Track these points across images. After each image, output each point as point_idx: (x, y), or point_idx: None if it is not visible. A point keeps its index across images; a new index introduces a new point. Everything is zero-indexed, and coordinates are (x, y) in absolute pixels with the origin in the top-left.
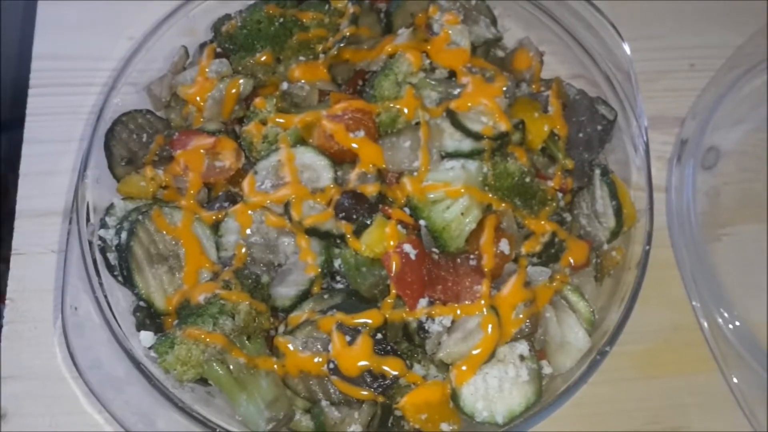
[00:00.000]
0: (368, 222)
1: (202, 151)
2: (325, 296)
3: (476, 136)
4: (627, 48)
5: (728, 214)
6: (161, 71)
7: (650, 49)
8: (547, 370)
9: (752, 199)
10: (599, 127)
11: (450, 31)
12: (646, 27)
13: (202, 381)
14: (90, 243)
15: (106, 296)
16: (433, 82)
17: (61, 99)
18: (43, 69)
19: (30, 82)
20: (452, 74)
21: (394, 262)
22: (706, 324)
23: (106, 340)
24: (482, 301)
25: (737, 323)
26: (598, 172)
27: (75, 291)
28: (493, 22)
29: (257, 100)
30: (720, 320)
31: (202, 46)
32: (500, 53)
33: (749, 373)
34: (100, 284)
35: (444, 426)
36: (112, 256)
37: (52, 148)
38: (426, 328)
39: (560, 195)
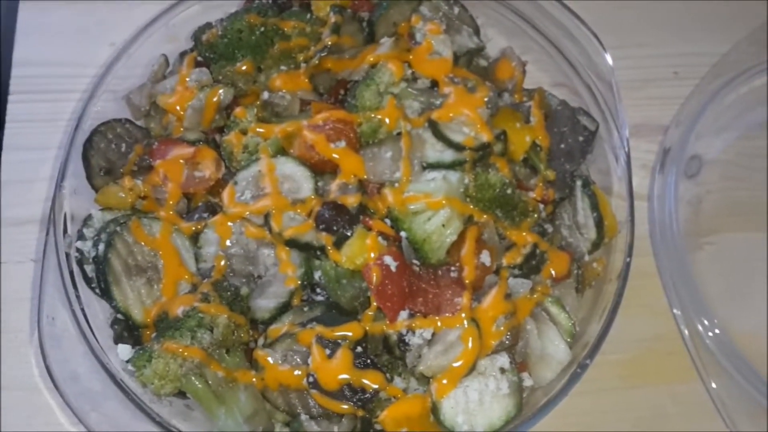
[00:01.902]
0: (349, 233)
1: (181, 161)
2: (305, 309)
3: (458, 147)
4: (609, 58)
5: (710, 222)
6: (142, 78)
7: (634, 57)
8: (527, 382)
9: (735, 208)
10: (581, 138)
11: (432, 41)
12: (630, 35)
13: (181, 395)
14: (67, 254)
15: (83, 309)
16: (415, 92)
17: (41, 105)
18: (23, 75)
19: (10, 88)
20: (434, 84)
21: (374, 274)
22: (686, 332)
23: (83, 352)
24: (463, 314)
25: (717, 331)
26: (579, 183)
27: (52, 302)
28: (476, 31)
29: (238, 110)
30: (700, 328)
31: (183, 54)
32: (483, 63)
33: (728, 380)
34: (77, 296)
35: None
36: (89, 268)
37: (31, 156)
38: (406, 340)
39: (542, 206)
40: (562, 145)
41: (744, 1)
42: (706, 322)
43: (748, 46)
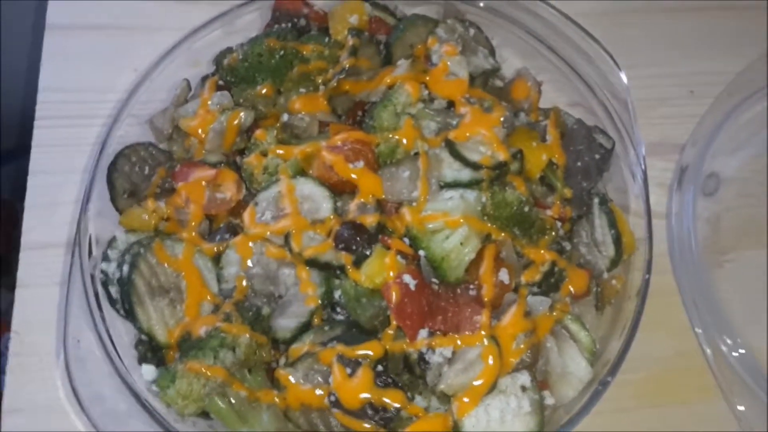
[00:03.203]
0: (368, 252)
1: (203, 183)
2: (326, 328)
3: (475, 166)
4: (624, 77)
5: (730, 240)
6: (165, 103)
7: (650, 76)
8: (549, 400)
9: (754, 226)
10: (597, 156)
11: (449, 62)
12: (645, 54)
13: (204, 415)
14: (92, 276)
15: (107, 330)
16: (431, 113)
17: (66, 131)
18: (49, 101)
19: (36, 114)
20: (451, 104)
21: (393, 293)
22: (709, 351)
23: (108, 373)
24: (482, 332)
25: (741, 351)
26: (596, 200)
27: (77, 324)
28: (492, 52)
29: (258, 132)
30: (724, 348)
31: (204, 78)
32: (499, 83)
33: (754, 401)
34: (102, 318)
35: None
36: (114, 290)
37: (56, 180)
38: (426, 359)
39: (559, 224)
40: (579, 163)
41: (757, 20)
42: (729, 341)
43: (762, 65)
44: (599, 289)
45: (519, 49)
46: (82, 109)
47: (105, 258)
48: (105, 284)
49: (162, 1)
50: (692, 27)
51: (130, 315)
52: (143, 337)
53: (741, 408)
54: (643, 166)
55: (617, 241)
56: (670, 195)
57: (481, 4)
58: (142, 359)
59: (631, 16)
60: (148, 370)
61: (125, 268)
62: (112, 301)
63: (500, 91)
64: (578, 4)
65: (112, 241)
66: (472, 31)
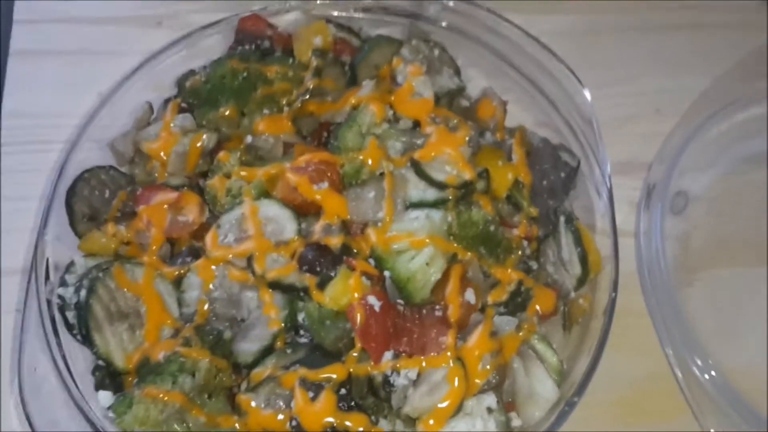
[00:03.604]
0: (332, 274)
1: (165, 206)
2: (289, 351)
3: (440, 186)
4: (588, 94)
5: (699, 259)
6: (126, 127)
7: (616, 95)
8: (516, 422)
9: (723, 244)
10: (563, 174)
11: (413, 82)
12: (611, 73)
13: None
14: (48, 301)
15: (64, 356)
16: (397, 133)
17: (27, 156)
18: (12, 127)
19: (0, 140)
20: (416, 124)
21: (358, 315)
22: (680, 373)
23: (64, 400)
24: (448, 353)
25: (713, 372)
26: (562, 219)
27: (33, 351)
28: (457, 72)
29: (221, 154)
30: (694, 369)
31: (167, 101)
32: (465, 103)
33: (725, 419)
34: (58, 344)
35: None
36: (71, 315)
37: (18, 206)
38: (391, 381)
39: (526, 243)
40: (545, 182)
41: (723, 37)
42: (699, 363)
43: (728, 82)
44: (566, 309)
45: (484, 69)
46: (42, 134)
47: (62, 283)
48: (62, 309)
49: (126, 26)
50: (658, 45)
51: (87, 340)
52: (100, 362)
53: (711, 428)
54: (608, 184)
55: (583, 259)
56: (638, 213)
57: (444, 24)
58: (99, 385)
59: (596, 36)
60: (105, 396)
61: (83, 292)
62: (69, 327)
63: (466, 110)
64: (542, 24)
65: (70, 266)
66: (436, 52)
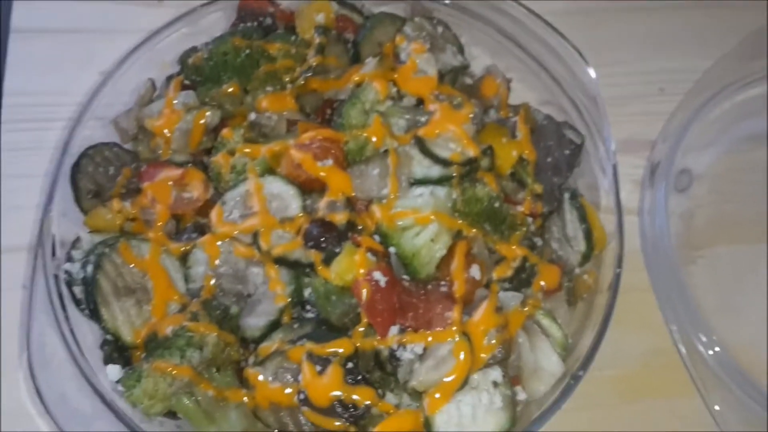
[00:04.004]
0: (337, 250)
1: (169, 182)
2: (295, 326)
3: (445, 163)
4: (592, 72)
5: (703, 236)
6: (128, 105)
7: (619, 74)
8: (521, 396)
9: (726, 221)
10: (567, 152)
11: (417, 60)
12: (615, 53)
13: (171, 414)
14: (56, 277)
15: (72, 330)
16: (400, 110)
17: (31, 134)
18: (14, 105)
19: (1, 118)
20: (420, 102)
21: (364, 290)
22: (684, 349)
23: (73, 375)
24: (454, 328)
25: (717, 348)
26: (567, 195)
27: (41, 325)
28: (460, 50)
29: (225, 131)
30: (699, 345)
31: (169, 78)
32: (468, 80)
33: (728, 394)
34: (66, 318)
35: None
36: (78, 290)
37: (20, 183)
38: (398, 356)
39: (530, 220)
40: (549, 159)
41: (724, 18)
42: (703, 339)
43: (730, 62)
44: (571, 285)
45: (488, 47)
46: (45, 112)
47: (69, 258)
48: (69, 284)
49: (126, 4)
50: (661, 25)
51: (94, 315)
52: (108, 337)
53: (717, 408)
54: (613, 161)
55: (588, 235)
56: (642, 192)
57: (447, 2)
58: (107, 360)
59: (600, 15)
60: (114, 371)
61: (89, 268)
62: (76, 302)
63: (470, 88)
64: (547, 3)
65: (76, 242)
66: (440, 29)
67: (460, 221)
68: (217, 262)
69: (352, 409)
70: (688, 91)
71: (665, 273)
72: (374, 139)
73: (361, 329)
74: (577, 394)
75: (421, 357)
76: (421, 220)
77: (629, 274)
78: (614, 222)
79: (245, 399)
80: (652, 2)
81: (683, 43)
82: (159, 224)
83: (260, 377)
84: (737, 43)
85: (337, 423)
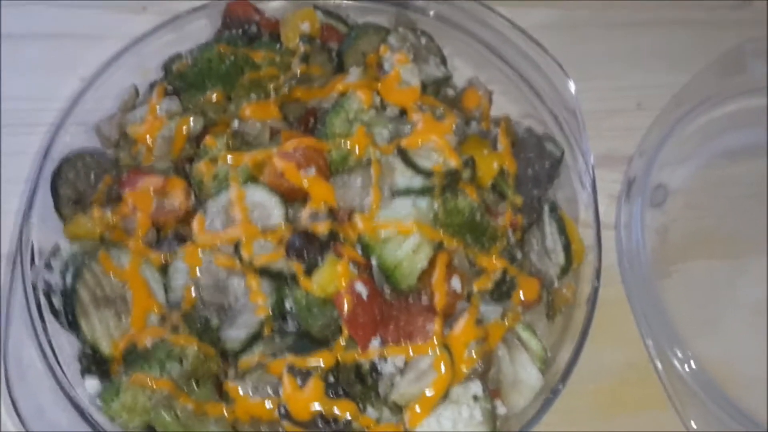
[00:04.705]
0: (319, 261)
1: (150, 190)
2: (276, 338)
3: (427, 173)
4: (572, 85)
5: (678, 251)
6: (111, 110)
7: (598, 89)
8: (501, 410)
9: (701, 236)
10: (547, 164)
11: (401, 70)
12: (594, 67)
13: (149, 428)
14: (34, 286)
15: (50, 341)
16: (384, 120)
17: (13, 139)
18: None
19: None
20: (403, 112)
21: (345, 302)
22: (660, 365)
23: (50, 387)
24: (435, 340)
25: (692, 363)
26: (546, 208)
27: (18, 336)
28: (443, 61)
29: (207, 138)
30: (674, 360)
31: (153, 84)
32: (451, 92)
33: (706, 413)
34: (44, 328)
35: None
36: (56, 300)
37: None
38: (378, 369)
39: (511, 232)
40: (529, 171)
41: (702, 35)
42: (679, 354)
43: (707, 78)
44: (550, 298)
45: (470, 59)
46: (28, 117)
47: (48, 267)
48: (47, 294)
49: (109, 11)
50: (640, 41)
51: (73, 326)
52: (87, 349)
53: (693, 424)
54: (591, 174)
55: (567, 248)
56: (618, 206)
57: (432, 13)
58: (85, 372)
59: (582, 30)
60: (92, 383)
61: (69, 277)
62: (54, 312)
63: (452, 100)
64: (528, 17)
65: (55, 250)
66: (423, 40)
67: (442, 232)
68: (197, 272)
69: (332, 423)
70: (665, 107)
71: (641, 287)
72: (357, 148)
73: (342, 342)
74: (554, 409)
75: (402, 370)
76: (403, 231)
77: (606, 288)
78: (592, 236)
79: (225, 413)
80: (632, 18)
81: (662, 59)
82: (139, 233)
83: (240, 390)
84: (714, 59)
85: None
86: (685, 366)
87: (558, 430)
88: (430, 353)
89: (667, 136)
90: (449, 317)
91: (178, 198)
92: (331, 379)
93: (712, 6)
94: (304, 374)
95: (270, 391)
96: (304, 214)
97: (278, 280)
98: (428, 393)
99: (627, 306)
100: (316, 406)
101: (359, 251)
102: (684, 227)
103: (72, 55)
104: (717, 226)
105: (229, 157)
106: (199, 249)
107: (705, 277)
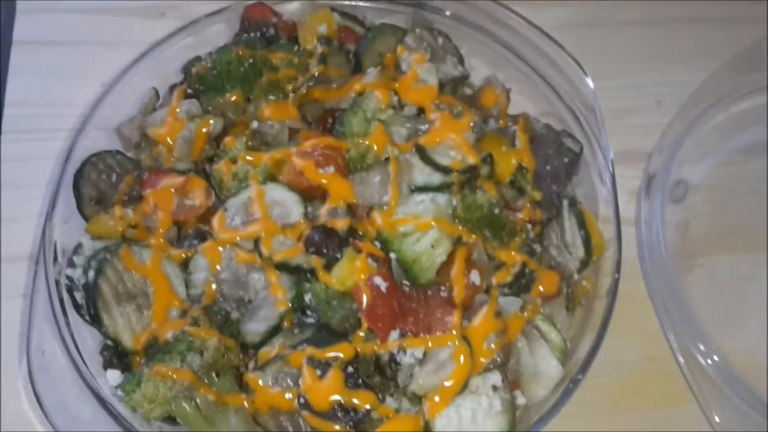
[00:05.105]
0: (339, 256)
1: (171, 189)
2: (296, 331)
3: (445, 170)
4: (590, 82)
5: (699, 246)
6: (131, 114)
7: (617, 87)
8: (520, 400)
9: (722, 231)
10: (566, 160)
11: (418, 70)
12: (612, 66)
13: (171, 419)
14: (57, 282)
15: (72, 335)
16: (401, 119)
17: (31, 144)
18: (15, 115)
19: (2, 128)
20: (421, 111)
21: (365, 295)
22: (682, 358)
23: (73, 380)
24: (454, 332)
25: (715, 357)
26: (566, 203)
27: (42, 332)
28: (461, 60)
29: (227, 139)
30: (697, 354)
31: (173, 87)
32: (468, 91)
33: (729, 406)
34: (67, 323)
35: None
36: (79, 296)
37: (20, 194)
38: (398, 360)
39: (530, 226)
40: (548, 167)
41: (720, 32)
42: (702, 348)
43: (725, 74)
44: (570, 290)
45: (487, 58)
46: (47, 122)
47: (70, 264)
48: (70, 290)
49: (128, 17)
50: (658, 39)
51: (95, 320)
52: (109, 342)
53: (716, 417)
54: (611, 170)
55: (587, 242)
56: (638, 202)
57: (448, 13)
58: (107, 365)
59: (598, 28)
60: (114, 375)
61: (91, 273)
62: (77, 307)
63: (470, 98)
64: (546, 16)
65: (78, 248)
66: (440, 40)
67: (461, 227)
68: (218, 267)
69: (352, 413)
70: (684, 103)
71: (662, 282)
72: (375, 146)
73: (362, 334)
74: (574, 401)
75: (421, 361)
76: (421, 226)
77: (626, 283)
78: (612, 230)
79: (245, 403)
80: (650, 15)
81: (680, 57)
82: (161, 231)
83: (260, 382)
84: (732, 56)
85: (337, 427)
86: (708, 360)
87: (577, 422)
88: (450, 345)
89: (687, 133)
90: (469, 310)
91: (198, 197)
92: (351, 370)
93: (730, 3)
94: (324, 365)
95: (290, 382)
96: (323, 210)
97: (298, 274)
98: (447, 384)
99: (647, 301)
100: (336, 397)
101: (378, 246)
102: (705, 222)
103: (92, 62)
104: (737, 221)
105: (248, 156)
106: (220, 245)
107: (727, 271)
